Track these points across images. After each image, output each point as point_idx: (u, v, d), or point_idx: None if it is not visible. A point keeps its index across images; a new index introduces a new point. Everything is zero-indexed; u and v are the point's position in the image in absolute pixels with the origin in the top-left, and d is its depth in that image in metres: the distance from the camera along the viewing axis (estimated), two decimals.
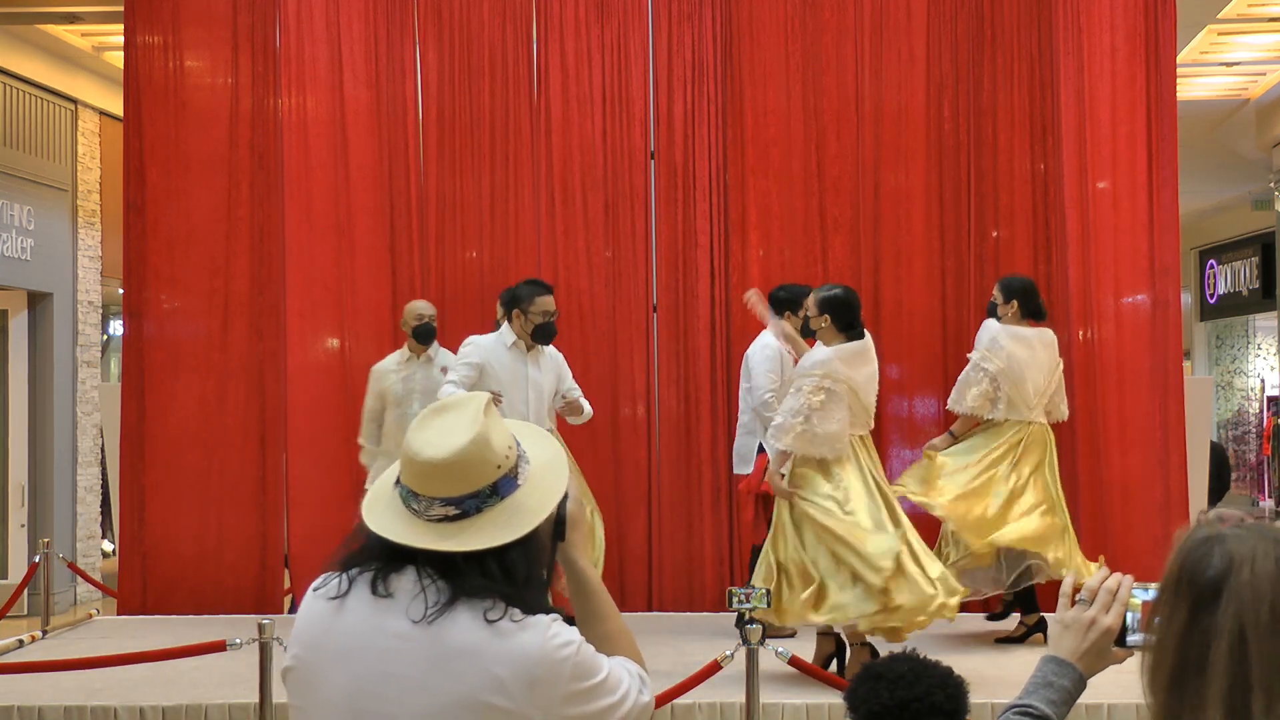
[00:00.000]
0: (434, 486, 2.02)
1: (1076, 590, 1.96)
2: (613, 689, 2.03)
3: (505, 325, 7.09)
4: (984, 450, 7.26)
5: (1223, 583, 1.65)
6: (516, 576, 2.02)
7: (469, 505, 2.02)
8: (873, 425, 6.69)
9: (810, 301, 6.58)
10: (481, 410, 2.07)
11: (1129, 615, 1.91)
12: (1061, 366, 7.58)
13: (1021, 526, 7.08)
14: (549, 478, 2.11)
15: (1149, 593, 1.91)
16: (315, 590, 2.11)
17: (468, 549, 2.00)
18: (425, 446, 2.03)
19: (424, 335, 7.81)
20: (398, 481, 2.08)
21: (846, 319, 6.47)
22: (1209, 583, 1.66)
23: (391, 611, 2.01)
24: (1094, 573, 2.13)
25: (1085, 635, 1.92)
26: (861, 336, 6.54)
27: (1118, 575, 1.94)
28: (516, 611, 1.99)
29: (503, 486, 2.04)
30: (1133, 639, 1.91)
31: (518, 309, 7.02)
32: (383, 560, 2.04)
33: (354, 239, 8.82)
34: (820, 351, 6.46)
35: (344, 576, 2.07)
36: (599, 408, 8.64)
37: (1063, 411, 7.55)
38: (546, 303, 7.02)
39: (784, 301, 7.49)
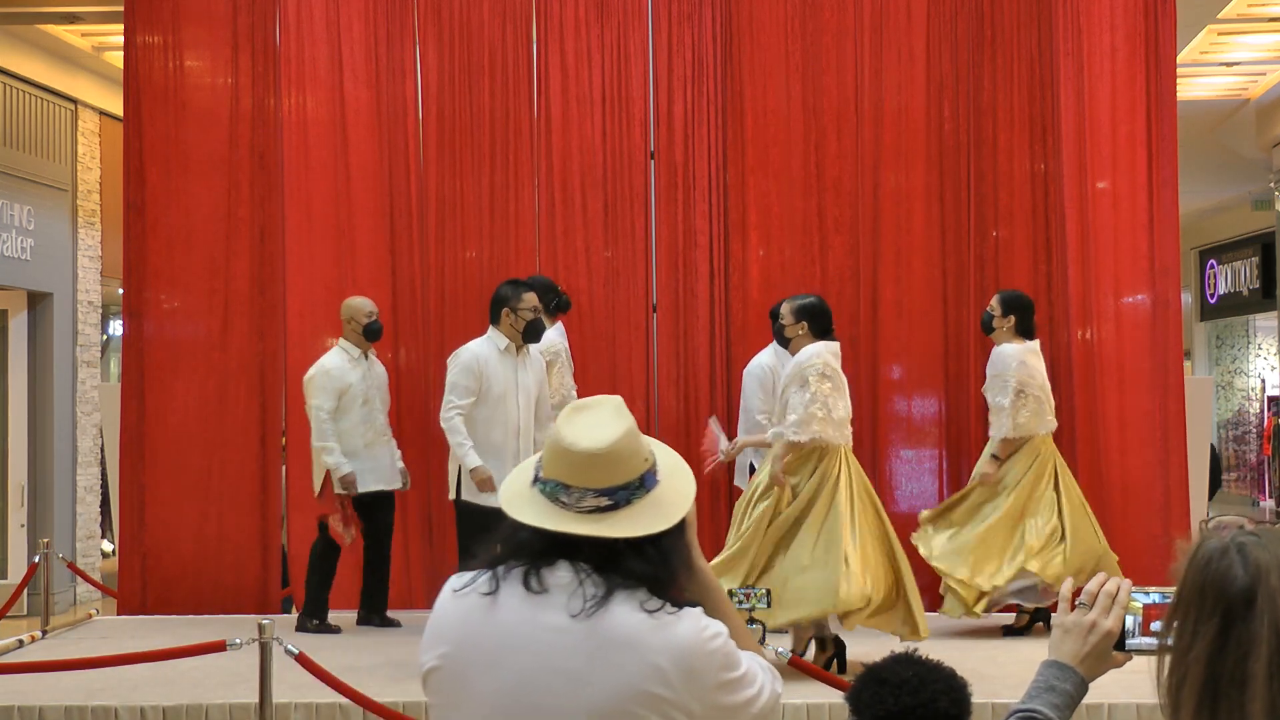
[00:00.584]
0: (589, 478, 2.06)
1: (1076, 594, 1.96)
2: (752, 681, 2.08)
3: (492, 329, 7.14)
4: (1020, 476, 7.46)
5: (1253, 592, 1.62)
6: (673, 563, 2.08)
7: (620, 496, 2.07)
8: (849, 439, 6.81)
9: (786, 310, 6.71)
10: (623, 407, 2.15)
11: (1129, 619, 1.91)
12: None
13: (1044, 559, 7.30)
14: (679, 476, 2.17)
15: (1149, 596, 1.91)
16: (457, 590, 2.12)
17: (631, 535, 2.05)
18: (581, 438, 2.07)
19: (375, 333, 7.87)
20: (536, 479, 2.11)
21: (822, 325, 6.61)
22: (1239, 593, 1.63)
23: (548, 606, 2.03)
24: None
25: (1086, 639, 1.91)
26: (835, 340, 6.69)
27: (1116, 579, 1.94)
28: (668, 604, 2.04)
29: (648, 480, 2.10)
30: (1132, 643, 1.91)
31: (507, 308, 7.08)
32: (533, 557, 2.07)
33: (354, 239, 8.82)
34: (811, 346, 6.56)
35: (492, 574, 2.09)
36: None
37: None
38: (532, 298, 7.11)
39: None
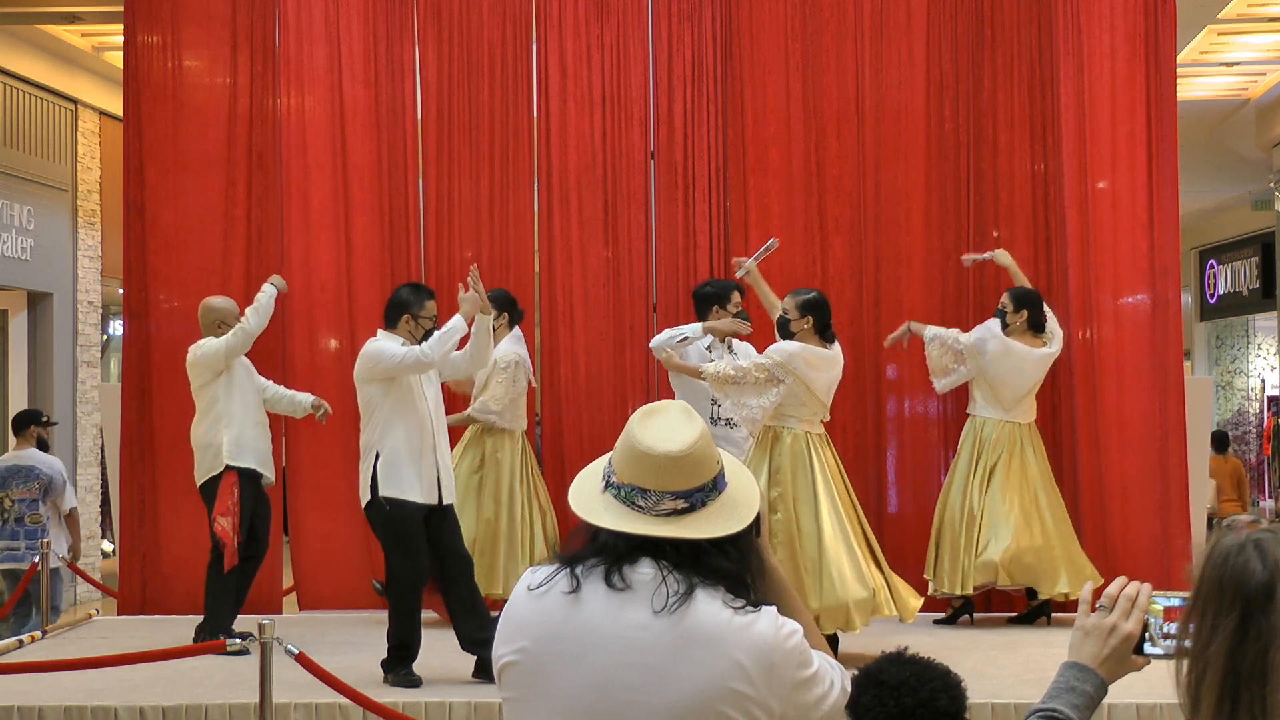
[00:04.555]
0: (667, 480, 2.10)
1: (1097, 597, 1.97)
2: (823, 678, 2.13)
3: (384, 334, 6.57)
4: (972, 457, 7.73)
5: (1272, 585, 1.64)
6: (750, 561, 2.13)
7: (696, 499, 2.11)
8: (828, 419, 7.01)
9: (790, 305, 6.81)
10: (691, 411, 2.19)
11: (1151, 622, 1.92)
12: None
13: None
14: (743, 478, 2.21)
15: (1169, 600, 1.91)
16: (533, 588, 2.14)
17: (712, 535, 2.09)
18: (659, 442, 2.11)
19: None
20: (608, 484, 2.14)
21: (824, 321, 6.78)
22: (1258, 587, 1.65)
23: (631, 603, 2.06)
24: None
25: (1106, 641, 1.93)
26: (833, 341, 6.84)
27: (1136, 583, 1.96)
28: (748, 602, 2.07)
29: (719, 481, 2.15)
30: (1151, 650, 1.92)
31: (408, 314, 6.53)
32: (616, 558, 2.10)
33: (352, 239, 8.81)
34: (792, 344, 6.71)
35: (571, 573, 2.11)
36: (598, 408, 8.64)
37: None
38: (433, 307, 6.62)
39: (710, 297, 7.40)
